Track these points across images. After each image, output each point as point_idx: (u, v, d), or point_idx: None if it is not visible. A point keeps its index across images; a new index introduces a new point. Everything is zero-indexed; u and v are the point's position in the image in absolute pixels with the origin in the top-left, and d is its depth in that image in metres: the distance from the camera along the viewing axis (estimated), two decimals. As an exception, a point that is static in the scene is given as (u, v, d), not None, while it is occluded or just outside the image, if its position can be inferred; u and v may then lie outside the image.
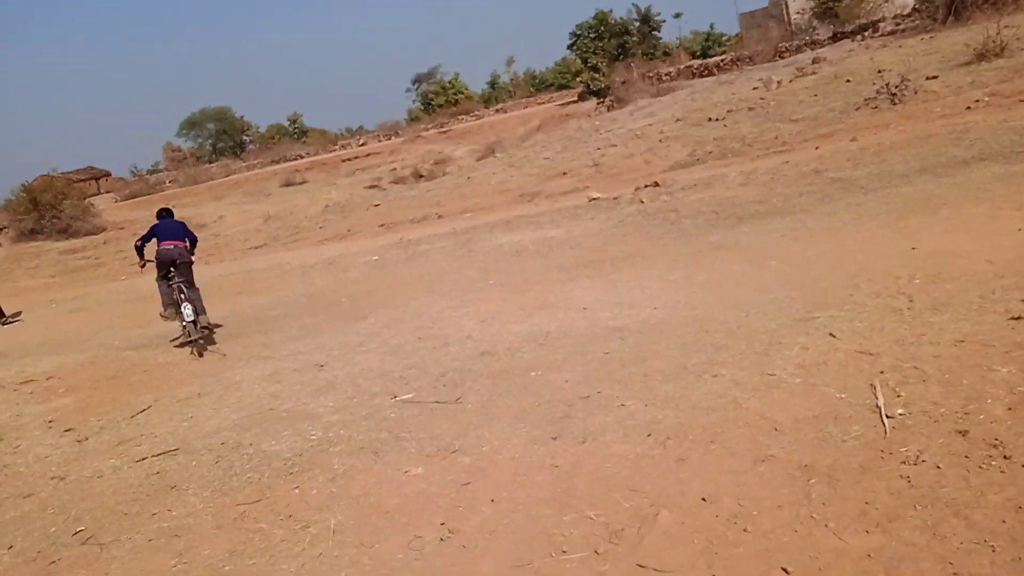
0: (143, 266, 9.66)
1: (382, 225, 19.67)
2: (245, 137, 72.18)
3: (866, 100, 17.95)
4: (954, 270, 6.03)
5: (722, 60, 36.76)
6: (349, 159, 40.17)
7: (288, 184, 34.61)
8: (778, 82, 22.98)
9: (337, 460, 4.81)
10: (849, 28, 31.38)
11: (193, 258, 9.41)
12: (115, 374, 8.41)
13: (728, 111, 21.62)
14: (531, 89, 63.56)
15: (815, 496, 3.37)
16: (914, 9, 28.48)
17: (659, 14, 49.82)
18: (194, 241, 9.59)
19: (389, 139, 49.65)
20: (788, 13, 39.87)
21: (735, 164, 15.63)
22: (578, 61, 46.44)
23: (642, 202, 13.11)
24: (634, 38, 47.54)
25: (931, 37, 22.86)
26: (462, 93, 64.05)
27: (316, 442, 5.19)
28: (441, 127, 47.62)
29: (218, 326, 9.83)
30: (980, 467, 3.33)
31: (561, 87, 58.05)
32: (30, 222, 29.25)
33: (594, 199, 14.70)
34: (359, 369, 6.81)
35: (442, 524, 3.79)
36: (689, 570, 3.06)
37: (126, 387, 7.75)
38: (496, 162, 26.78)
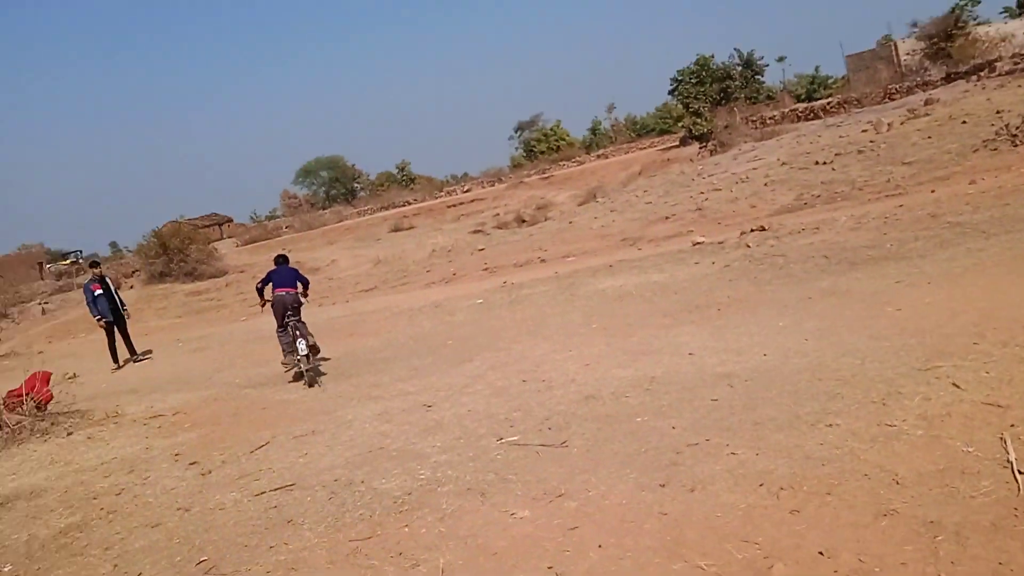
0: (263, 306, 10.73)
1: (486, 269, 19.98)
2: (356, 184, 74.89)
3: (984, 142, 17.18)
4: (1091, 319, 5.68)
5: (828, 103, 35.88)
6: (454, 205, 41.14)
7: (397, 229, 35.75)
8: (889, 124, 22.28)
9: (445, 500, 4.90)
10: (963, 68, 30.24)
11: (305, 300, 10.49)
12: (236, 411, 8.84)
13: (836, 154, 21.07)
14: (632, 135, 63.58)
15: (943, 554, 3.23)
16: (1033, 48, 27.25)
17: (762, 58, 49.38)
18: (306, 284, 10.66)
19: (493, 185, 50.56)
20: (898, 54, 38.76)
21: (845, 208, 15.18)
22: (679, 106, 46.33)
23: (748, 246, 12.89)
24: (736, 82, 47.15)
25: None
26: (563, 140, 64.70)
27: (425, 481, 5.30)
28: (543, 173, 48.17)
29: (326, 359, 10.68)
30: None
31: (662, 132, 57.92)
32: (160, 265, 31.18)
33: (698, 243, 14.55)
34: (465, 410, 6.93)
35: (549, 568, 3.79)
36: (806, 626, 2.97)
37: (246, 423, 8.12)
38: (598, 207, 26.89)
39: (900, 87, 32.69)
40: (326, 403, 8.42)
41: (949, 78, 30.07)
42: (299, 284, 10.43)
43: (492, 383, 7.79)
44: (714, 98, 43.88)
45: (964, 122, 19.46)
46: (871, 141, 21.10)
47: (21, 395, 9.75)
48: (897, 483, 3.89)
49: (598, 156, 53.58)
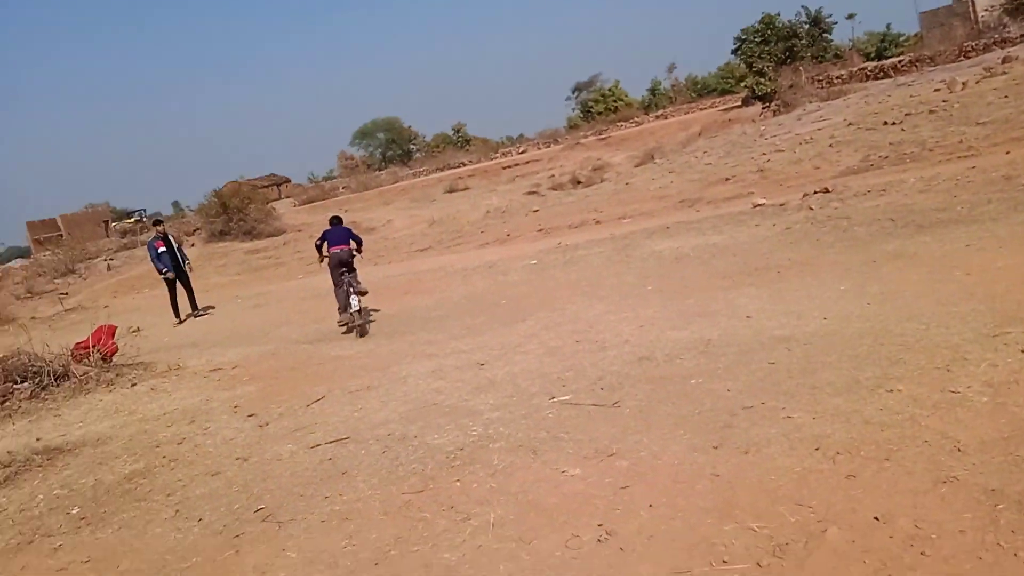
0: (321, 261, 11.49)
1: (540, 230, 19.89)
2: (412, 146, 75.26)
3: (1068, 100, 16.33)
4: None
5: (899, 61, 34.46)
6: (509, 166, 40.96)
7: (451, 190, 35.83)
8: (963, 83, 21.31)
9: (497, 456, 4.93)
10: (1046, 25, 28.71)
11: (358, 255, 11.21)
12: (293, 365, 9.03)
13: (906, 114, 20.27)
14: (692, 95, 62.25)
15: (1003, 523, 3.13)
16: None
17: (830, 15, 47.38)
18: (359, 242, 11.38)
19: (548, 147, 50.16)
20: (975, 10, 37.03)
21: (913, 170, 14.64)
22: (742, 66, 45.04)
23: (811, 209, 12.55)
24: (803, 41, 45.47)
25: None
26: (622, 100, 63.72)
27: (477, 438, 5.35)
28: (600, 134, 47.59)
29: (376, 311, 11.58)
30: None
31: (724, 92, 56.54)
32: (220, 224, 31.95)
33: (759, 205, 14.22)
34: (518, 369, 6.94)
35: (599, 525, 3.80)
36: (860, 591, 2.92)
37: (303, 378, 8.30)
38: (655, 168, 26.46)
39: (976, 45, 31.23)
40: (381, 359, 8.53)
41: (1030, 34, 28.61)
42: (352, 242, 11.12)
43: (545, 343, 7.78)
44: (779, 57, 42.45)
45: (1045, 81, 18.52)
46: (944, 101, 20.23)
47: (88, 347, 10.17)
48: (959, 450, 3.77)
49: (657, 117, 52.68)
